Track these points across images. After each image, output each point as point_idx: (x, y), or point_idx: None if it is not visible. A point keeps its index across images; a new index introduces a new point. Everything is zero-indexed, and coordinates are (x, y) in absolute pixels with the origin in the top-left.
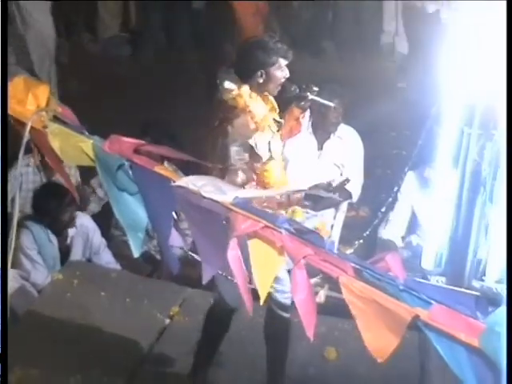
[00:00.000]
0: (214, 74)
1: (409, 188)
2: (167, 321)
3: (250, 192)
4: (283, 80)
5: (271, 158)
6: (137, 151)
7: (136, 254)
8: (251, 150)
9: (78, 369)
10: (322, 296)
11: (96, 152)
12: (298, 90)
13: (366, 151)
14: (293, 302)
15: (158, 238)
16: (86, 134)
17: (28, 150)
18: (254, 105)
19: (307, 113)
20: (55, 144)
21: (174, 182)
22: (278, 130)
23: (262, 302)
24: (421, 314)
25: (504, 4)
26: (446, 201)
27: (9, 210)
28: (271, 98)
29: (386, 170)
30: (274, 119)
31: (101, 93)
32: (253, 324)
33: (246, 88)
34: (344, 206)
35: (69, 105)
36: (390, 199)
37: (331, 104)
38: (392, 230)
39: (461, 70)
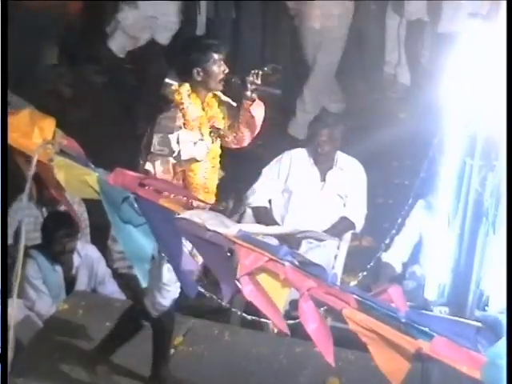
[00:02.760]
0: None
1: (418, 215)
2: (171, 351)
3: (253, 227)
4: (223, 75)
5: (194, 159)
6: (141, 184)
7: (144, 284)
8: (171, 144)
9: None
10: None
11: (101, 185)
12: (239, 82)
13: (368, 181)
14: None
15: (171, 265)
16: (92, 166)
17: None
18: (188, 104)
19: (260, 105)
20: (60, 176)
21: (179, 214)
22: (217, 137)
23: (277, 329)
24: (423, 346)
25: (504, 4)
26: (449, 231)
27: (9, 241)
28: (224, 108)
29: (388, 199)
30: (214, 126)
31: (104, 123)
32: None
33: (185, 86)
34: (348, 235)
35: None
36: (394, 230)
37: (277, 91)
38: (394, 253)
39: (462, 101)
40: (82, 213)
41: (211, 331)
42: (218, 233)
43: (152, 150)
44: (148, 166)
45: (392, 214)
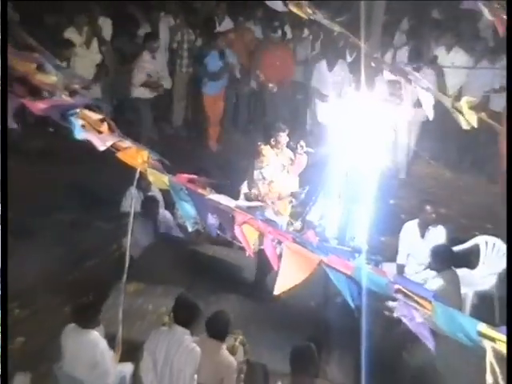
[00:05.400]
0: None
1: (322, 197)
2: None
3: (243, 202)
4: (285, 142)
5: (272, 181)
6: (190, 181)
7: (190, 229)
8: (261, 175)
9: (162, 283)
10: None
11: (169, 181)
12: (294, 145)
13: (299, 182)
14: None
15: (203, 220)
16: (165, 173)
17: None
18: (269, 154)
19: (304, 158)
20: (151, 178)
21: (206, 196)
22: (284, 170)
23: (248, 253)
24: (323, 259)
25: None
26: (338, 205)
27: (126, 209)
28: (289, 156)
29: (309, 190)
30: (283, 164)
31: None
32: None
33: (267, 147)
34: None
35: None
36: (311, 203)
37: (312, 150)
38: (312, 215)
39: (344, 139)
40: (160, 196)
41: (225, 253)
42: (226, 205)
43: (254, 178)
44: (256, 188)
45: (311, 196)
